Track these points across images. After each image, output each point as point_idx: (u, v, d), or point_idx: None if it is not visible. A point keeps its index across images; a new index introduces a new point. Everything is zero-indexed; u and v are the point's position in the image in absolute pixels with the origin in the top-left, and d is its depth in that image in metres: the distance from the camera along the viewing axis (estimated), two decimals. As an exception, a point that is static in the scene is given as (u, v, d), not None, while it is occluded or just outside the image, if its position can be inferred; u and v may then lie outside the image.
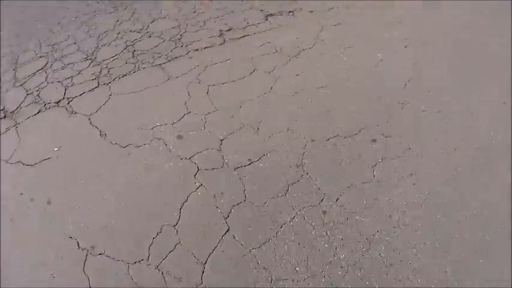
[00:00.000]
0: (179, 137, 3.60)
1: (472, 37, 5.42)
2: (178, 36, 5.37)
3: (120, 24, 6.16)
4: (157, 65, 4.72)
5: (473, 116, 3.83)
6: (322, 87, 4.04)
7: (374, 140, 3.51)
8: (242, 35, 5.07)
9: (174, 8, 6.40)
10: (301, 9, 5.81)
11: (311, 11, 5.76)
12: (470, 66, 4.63)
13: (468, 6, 6.62)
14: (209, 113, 3.76)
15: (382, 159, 3.33)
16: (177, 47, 5.11)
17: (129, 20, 6.30)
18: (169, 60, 4.79)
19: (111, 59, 5.06)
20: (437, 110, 3.90)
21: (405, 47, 4.88)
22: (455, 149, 3.54)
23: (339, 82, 4.13)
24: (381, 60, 4.54)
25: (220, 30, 5.29)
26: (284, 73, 4.26)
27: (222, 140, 3.47)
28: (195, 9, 6.15)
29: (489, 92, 4.20)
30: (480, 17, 6.21)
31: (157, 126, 3.74)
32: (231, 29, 5.32)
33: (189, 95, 4.07)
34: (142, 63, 4.82)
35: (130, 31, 5.84)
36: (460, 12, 6.33)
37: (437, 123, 3.75)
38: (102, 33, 5.88)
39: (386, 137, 3.55)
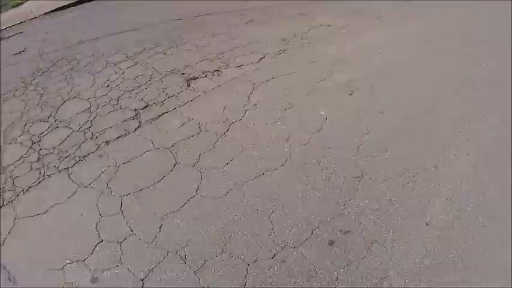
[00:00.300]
0: (93, 280, 2.91)
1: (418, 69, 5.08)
2: (88, 124, 4.67)
3: (28, 111, 5.38)
4: (64, 169, 3.99)
5: (437, 183, 3.43)
6: (259, 176, 3.44)
7: (331, 242, 2.91)
8: (161, 113, 4.44)
9: (87, 80, 5.62)
10: (227, 65, 5.25)
11: (239, 66, 5.21)
12: (420, 111, 4.31)
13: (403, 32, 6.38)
14: (125, 239, 3.08)
15: (344, 267, 2.77)
16: (86, 139, 4.40)
17: (37, 104, 5.53)
18: (77, 162, 4.08)
19: (16, 164, 4.28)
20: (399, 174, 3.39)
21: (350, 94, 4.38)
22: (427, 224, 3.09)
23: (278, 163, 3.54)
24: (326, 119, 4.02)
25: (136, 110, 4.61)
26: (212, 162, 3.64)
27: (143, 280, 2.78)
28: (108, 81, 5.45)
29: (445, 140, 3.90)
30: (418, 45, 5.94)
31: (68, 265, 3.02)
32: (147, 105, 4.66)
33: (100, 213, 3.36)
34: (48, 169, 4.10)
35: (38, 120, 5.09)
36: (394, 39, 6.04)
37: (402, 195, 3.31)
38: (8, 126, 5.08)
39: (345, 233, 2.98)
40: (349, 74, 4.96)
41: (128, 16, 8.02)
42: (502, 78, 4.91)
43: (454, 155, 3.72)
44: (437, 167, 3.65)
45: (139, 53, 6.27)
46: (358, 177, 3.45)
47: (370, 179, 3.45)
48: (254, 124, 4.07)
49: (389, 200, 3.28)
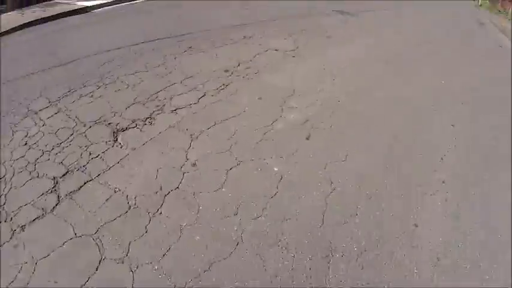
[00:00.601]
0: None
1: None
2: (3, 199, 3.71)
3: None
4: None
5: (419, 247, 2.90)
6: (204, 271, 2.69)
7: None
8: (82, 182, 3.56)
9: (5, 136, 4.51)
10: (161, 108, 4.39)
11: (175, 110, 4.37)
12: (388, 150, 3.85)
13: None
14: None
15: None
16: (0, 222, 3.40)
17: None
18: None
19: None
20: (375, 243, 2.79)
21: (307, 138, 3.69)
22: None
23: (227, 250, 2.77)
24: (281, 178, 3.28)
25: (54, 178, 3.67)
26: (145, 255, 2.85)
27: None
28: (26, 137, 4.40)
29: (423, 187, 3.39)
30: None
31: None
32: (68, 171, 3.73)
33: None
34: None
35: None
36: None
37: (381, 273, 2.72)
38: None
39: None
40: (304, 110, 4.29)
41: (58, 48, 6.90)
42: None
43: (432, 207, 3.22)
44: (416, 225, 3.06)
45: (63, 97, 5.26)
46: (327, 256, 2.75)
47: (343, 255, 2.76)
48: (194, 193, 3.26)
49: (367, 283, 2.60)
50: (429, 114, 4.64)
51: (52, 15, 8.59)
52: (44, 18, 8.41)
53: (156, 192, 3.31)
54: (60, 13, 8.74)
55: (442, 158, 3.94)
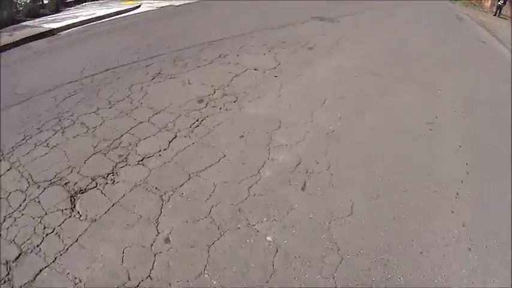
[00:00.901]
0: None
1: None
2: None
3: None
4: None
5: None
6: None
7: None
8: (38, 270, 2.79)
9: None
10: (125, 159, 3.62)
11: (141, 160, 3.62)
12: (398, 192, 3.26)
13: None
14: None
15: None
16: None
17: None
18: None
19: None
20: None
21: (303, 189, 2.99)
22: None
23: None
24: (276, 251, 2.58)
25: (7, 263, 2.90)
26: None
27: None
28: None
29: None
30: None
31: None
32: (21, 253, 2.99)
33: None
34: None
35: None
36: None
37: None
38: None
39: None
40: (294, 148, 3.59)
41: (18, 81, 5.94)
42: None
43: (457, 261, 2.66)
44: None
45: (17, 146, 4.39)
46: None
47: None
48: (170, 285, 2.49)
49: None
50: (432, 136, 4.00)
51: (18, 40, 7.82)
52: (9, 44, 7.62)
53: (124, 285, 2.52)
54: (27, 37, 8.01)
55: (457, 193, 3.29)
